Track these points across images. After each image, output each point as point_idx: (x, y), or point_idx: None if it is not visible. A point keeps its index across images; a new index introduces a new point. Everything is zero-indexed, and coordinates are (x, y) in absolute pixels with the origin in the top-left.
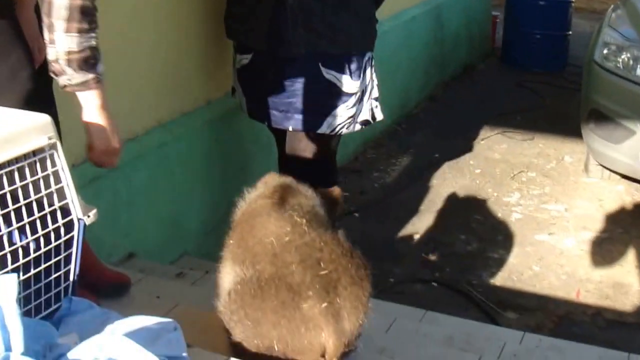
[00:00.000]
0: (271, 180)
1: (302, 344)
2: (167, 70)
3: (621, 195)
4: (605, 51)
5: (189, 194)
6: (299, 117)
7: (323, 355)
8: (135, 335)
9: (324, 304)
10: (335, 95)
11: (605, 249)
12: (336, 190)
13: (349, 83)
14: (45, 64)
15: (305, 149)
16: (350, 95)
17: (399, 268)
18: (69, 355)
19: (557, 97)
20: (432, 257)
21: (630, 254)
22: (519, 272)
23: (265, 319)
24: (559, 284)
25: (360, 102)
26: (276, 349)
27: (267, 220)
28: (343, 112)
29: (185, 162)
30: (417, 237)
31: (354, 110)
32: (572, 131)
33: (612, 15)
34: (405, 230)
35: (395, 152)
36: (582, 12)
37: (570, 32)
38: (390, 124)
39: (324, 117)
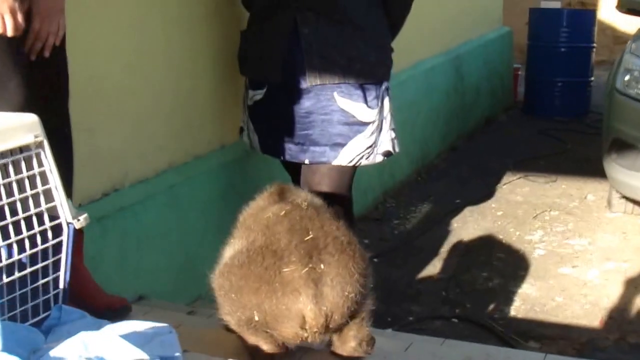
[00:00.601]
0: (275, 185)
1: (280, 310)
2: (177, 111)
3: None
4: (627, 78)
5: (202, 238)
6: (315, 149)
7: (304, 327)
8: (128, 337)
9: (305, 269)
10: (352, 124)
11: (630, 277)
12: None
13: (366, 112)
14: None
15: (321, 182)
16: (368, 124)
17: (419, 306)
18: (52, 353)
19: (579, 142)
20: (453, 295)
21: None
22: (542, 304)
23: (247, 286)
24: (583, 313)
25: (379, 132)
26: (256, 318)
27: (270, 205)
28: (361, 142)
29: (198, 206)
30: (437, 276)
31: (372, 139)
32: (595, 172)
33: (633, 45)
34: (426, 272)
35: (415, 201)
36: (604, 65)
37: (593, 79)
38: (411, 174)
39: (341, 148)
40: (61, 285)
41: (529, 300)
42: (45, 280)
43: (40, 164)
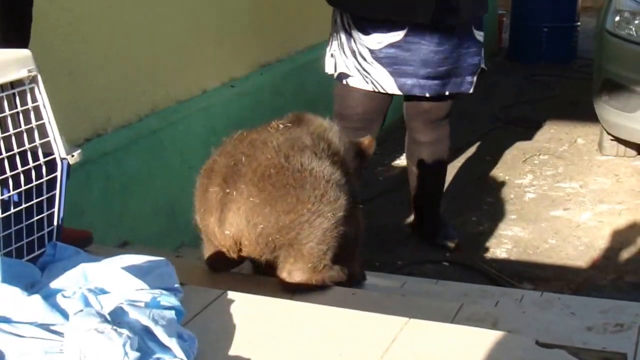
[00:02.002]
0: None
1: (207, 226)
2: (159, 56)
3: (638, 169)
4: (617, 18)
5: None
6: (456, 80)
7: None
8: (126, 270)
9: (220, 193)
10: (480, 54)
11: (624, 218)
12: (367, 140)
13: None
14: None
15: (440, 111)
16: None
17: (407, 251)
18: (52, 284)
19: (568, 87)
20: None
21: None
22: (535, 246)
23: (195, 199)
24: (577, 255)
25: None
26: (202, 237)
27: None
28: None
29: (180, 151)
30: None
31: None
32: (584, 116)
33: None
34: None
35: (400, 148)
36: (590, 11)
37: (579, 24)
38: (395, 121)
39: (472, 77)
40: (55, 222)
41: (522, 243)
42: (40, 216)
43: (34, 99)
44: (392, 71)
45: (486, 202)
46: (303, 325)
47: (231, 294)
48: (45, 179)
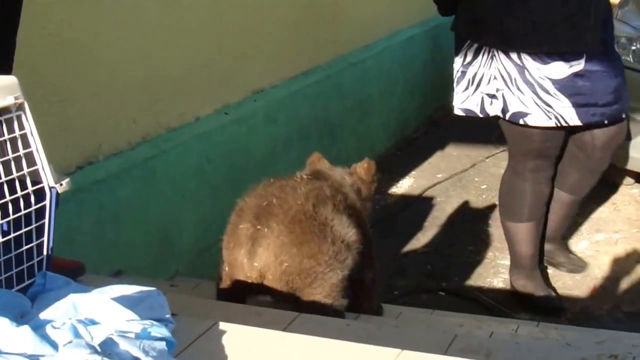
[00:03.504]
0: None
1: (235, 259)
2: (151, 83)
3: (635, 198)
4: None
5: (179, 212)
6: (616, 106)
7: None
8: (117, 300)
9: (251, 229)
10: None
11: (621, 248)
12: (364, 164)
13: None
14: None
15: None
16: None
17: (404, 281)
18: (41, 315)
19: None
20: (439, 268)
21: None
22: None
23: (225, 239)
24: (573, 284)
25: None
26: (226, 269)
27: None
28: None
29: (173, 179)
30: (422, 250)
31: None
32: None
33: (619, 12)
34: (409, 245)
35: (396, 175)
36: None
37: None
38: (390, 148)
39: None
40: (45, 252)
41: None
42: (29, 246)
43: (21, 127)
44: (575, 102)
45: (483, 231)
46: (295, 357)
47: (223, 325)
48: (33, 207)
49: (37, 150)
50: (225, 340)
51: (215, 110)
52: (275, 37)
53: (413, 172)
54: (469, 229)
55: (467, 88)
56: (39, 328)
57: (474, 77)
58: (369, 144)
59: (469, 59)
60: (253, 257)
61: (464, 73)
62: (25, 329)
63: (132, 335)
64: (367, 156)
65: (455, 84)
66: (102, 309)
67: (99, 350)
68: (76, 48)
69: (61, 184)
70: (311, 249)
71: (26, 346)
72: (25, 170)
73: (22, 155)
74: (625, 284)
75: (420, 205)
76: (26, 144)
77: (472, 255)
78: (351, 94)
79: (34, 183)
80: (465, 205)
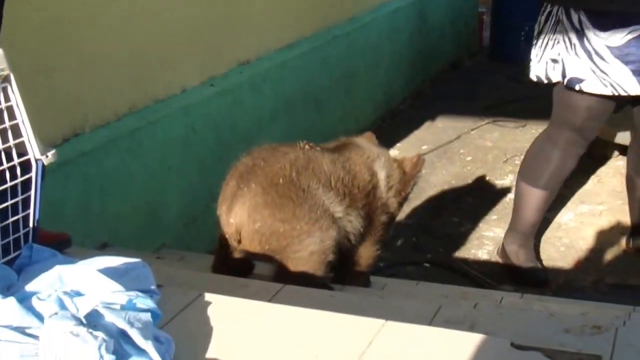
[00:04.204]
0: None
1: (220, 215)
2: (137, 54)
3: (620, 170)
4: None
5: (165, 184)
6: None
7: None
8: (102, 272)
9: (235, 187)
10: None
11: (605, 220)
12: (414, 158)
13: None
14: None
15: None
16: None
17: (390, 253)
18: (27, 287)
19: (550, 87)
20: (424, 241)
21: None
22: None
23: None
24: (558, 256)
25: None
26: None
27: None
28: None
29: (160, 151)
30: (407, 223)
31: None
32: None
33: None
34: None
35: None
36: None
37: None
38: (375, 120)
39: None
40: (31, 224)
41: None
42: (15, 218)
43: (7, 99)
44: (634, 69)
45: (467, 203)
46: (279, 327)
47: (208, 296)
48: (19, 180)
49: (23, 122)
50: (210, 311)
51: (201, 82)
52: (261, 9)
53: (398, 144)
54: (454, 201)
55: (538, 54)
56: (24, 300)
57: (543, 42)
58: (354, 116)
59: (541, 25)
60: (230, 213)
61: (537, 39)
62: (11, 301)
63: (118, 307)
64: (353, 128)
65: (532, 50)
66: (87, 280)
67: (84, 321)
68: (62, 21)
69: (47, 156)
70: (285, 213)
71: (12, 318)
72: (11, 142)
73: (7, 127)
74: (609, 255)
75: None
76: (12, 116)
77: (457, 227)
78: (337, 66)
79: (19, 155)
80: (450, 177)
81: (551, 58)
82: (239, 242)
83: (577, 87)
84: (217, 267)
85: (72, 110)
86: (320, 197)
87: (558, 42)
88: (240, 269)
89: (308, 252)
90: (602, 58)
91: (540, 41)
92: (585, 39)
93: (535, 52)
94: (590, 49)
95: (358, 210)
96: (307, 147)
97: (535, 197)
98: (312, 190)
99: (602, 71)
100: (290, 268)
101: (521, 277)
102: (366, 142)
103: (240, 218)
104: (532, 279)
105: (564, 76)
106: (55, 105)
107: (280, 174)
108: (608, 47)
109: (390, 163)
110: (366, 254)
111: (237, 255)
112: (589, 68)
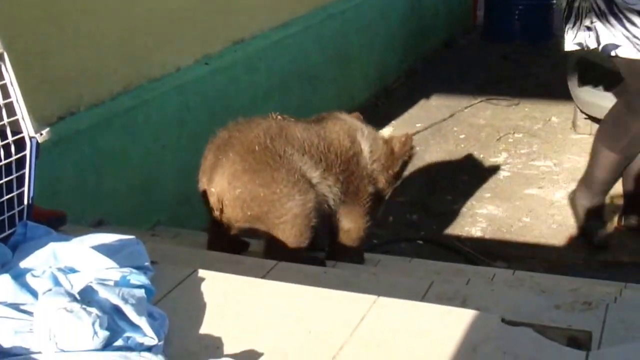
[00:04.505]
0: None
1: (201, 187)
2: (132, 34)
3: None
4: None
5: (160, 162)
6: None
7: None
8: (96, 249)
9: (213, 159)
10: None
11: None
12: (403, 137)
13: None
14: None
15: None
16: None
17: (383, 230)
18: (22, 264)
19: (543, 66)
20: (418, 218)
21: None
22: (509, 224)
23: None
24: (550, 233)
25: None
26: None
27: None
28: None
29: (154, 129)
30: (401, 200)
31: None
32: (558, 95)
33: None
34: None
35: (375, 125)
36: None
37: (554, 1)
38: (369, 98)
39: None
40: (25, 201)
41: (496, 222)
42: (9, 196)
43: (0, 77)
44: None
45: (461, 181)
46: (273, 303)
47: (202, 272)
48: (14, 157)
49: (17, 100)
50: (204, 287)
51: (196, 61)
52: None
53: (393, 122)
54: (447, 179)
55: (573, 24)
56: (19, 277)
57: (577, 11)
58: (349, 94)
59: None
60: (211, 184)
61: (570, 9)
62: (6, 277)
63: (112, 283)
64: (347, 106)
65: (563, 22)
66: (81, 257)
67: (78, 297)
68: (56, 1)
69: (41, 134)
70: (263, 178)
71: (6, 294)
72: (6, 120)
73: (2, 105)
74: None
75: None
76: (6, 94)
77: (450, 204)
78: (331, 44)
79: (14, 133)
80: (444, 155)
81: (586, 26)
82: (222, 211)
83: (612, 53)
84: (212, 244)
85: (67, 89)
86: (296, 162)
87: (590, 10)
88: (235, 246)
89: (291, 215)
90: (632, 23)
91: (574, 11)
92: (614, 5)
93: (570, 22)
94: (620, 14)
95: (337, 176)
96: (279, 117)
97: (610, 160)
98: (288, 155)
99: (634, 36)
100: (278, 236)
101: (584, 234)
102: (350, 117)
103: (221, 186)
104: (592, 239)
105: (598, 43)
106: (50, 84)
107: (255, 141)
108: (637, 11)
109: (375, 138)
110: (355, 226)
111: (228, 231)
112: (622, 34)
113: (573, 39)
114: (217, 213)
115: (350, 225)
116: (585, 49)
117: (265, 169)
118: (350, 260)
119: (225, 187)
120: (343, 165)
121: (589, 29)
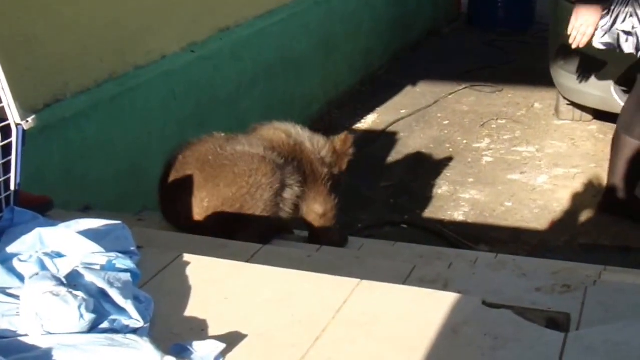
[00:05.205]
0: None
1: (164, 212)
2: (117, 21)
3: (593, 134)
4: None
5: (146, 148)
6: None
7: None
8: (83, 234)
9: (171, 183)
10: None
11: (579, 182)
12: (342, 136)
13: None
14: None
15: None
16: None
17: (368, 214)
18: (8, 249)
19: (526, 53)
20: (401, 202)
21: (604, 185)
22: (491, 209)
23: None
24: (532, 217)
25: None
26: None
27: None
28: None
29: (140, 116)
30: (385, 185)
31: None
32: (541, 82)
33: None
34: (373, 180)
35: (360, 111)
36: None
37: None
38: (354, 85)
39: None
40: (12, 187)
41: (479, 206)
42: None
43: None
44: None
45: (444, 166)
46: (256, 287)
47: (187, 257)
48: (0, 144)
49: (2, 88)
50: (189, 271)
51: (182, 48)
52: None
53: (377, 108)
54: (431, 164)
55: (607, 24)
56: (6, 261)
57: (613, 14)
58: (334, 81)
59: None
60: (175, 205)
61: (608, 10)
62: None
63: (98, 267)
64: (332, 93)
65: (601, 20)
66: (68, 242)
67: (64, 282)
68: None
69: (27, 121)
70: (226, 177)
71: None
72: None
73: None
74: (582, 217)
75: (384, 140)
76: None
77: (433, 189)
78: (316, 32)
79: (0, 120)
80: (427, 141)
81: (624, 30)
82: (196, 224)
83: None
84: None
85: (53, 77)
86: (249, 151)
87: (631, 15)
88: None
89: (262, 202)
90: None
91: (611, 13)
92: None
93: (604, 22)
94: None
95: (290, 164)
96: (222, 134)
97: (634, 148)
98: (239, 150)
99: None
100: (253, 221)
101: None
102: (281, 124)
103: (186, 204)
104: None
105: (637, 49)
106: (36, 72)
107: (208, 152)
108: None
109: (311, 135)
110: (326, 207)
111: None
112: None
113: (601, 37)
114: (190, 227)
115: (321, 208)
116: (617, 50)
117: (224, 169)
118: (333, 241)
119: (191, 203)
120: (291, 153)
121: (628, 33)
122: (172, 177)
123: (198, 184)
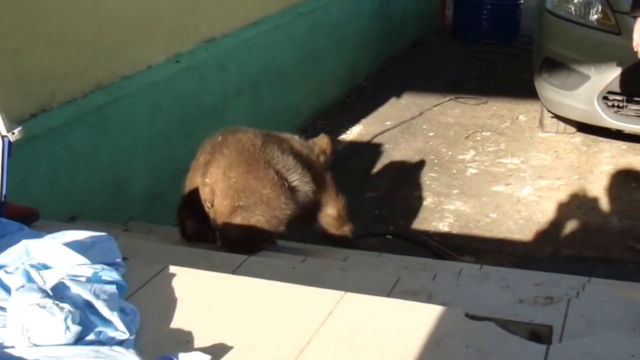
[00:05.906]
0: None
1: (192, 183)
2: (104, 31)
3: (577, 146)
4: None
5: (132, 158)
6: None
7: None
8: (68, 246)
9: (208, 157)
10: None
11: (563, 194)
12: (324, 138)
13: None
14: None
15: None
16: None
17: (353, 225)
18: None
19: (510, 65)
20: (386, 213)
21: (588, 197)
22: (476, 220)
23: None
24: (517, 228)
25: None
26: (185, 194)
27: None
28: None
29: (126, 127)
30: (370, 196)
31: None
32: (526, 94)
33: None
34: (358, 191)
35: (345, 122)
36: None
37: (522, 1)
38: (340, 96)
39: None
40: None
41: (463, 217)
42: None
43: None
44: None
45: (429, 177)
46: (241, 298)
47: (173, 268)
48: None
49: None
50: (175, 283)
51: (167, 59)
52: None
53: (363, 120)
54: (416, 175)
55: None
56: None
57: None
58: (319, 93)
59: None
60: (205, 176)
61: None
62: None
63: (83, 279)
64: (317, 104)
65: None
66: (54, 253)
67: (50, 293)
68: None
69: (13, 133)
70: (258, 171)
71: None
72: None
73: None
74: (566, 228)
75: (369, 151)
76: None
77: (418, 200)
78: (301, 43)
79: None
80: (412, 152)
81: None
82: (212, 204)
83: None
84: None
85: (39, 87)
86: (281, 170)
87: None
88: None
89: (271, 213)
90: None
91: None
92: None
93: None
94: None
95: (307, 172)
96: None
97: None
98: (274, 163)
99: None
100: (254, 227)
101: None
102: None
103: (216, 176)
104: None
105: None
106: (22, 82)
107: (249, 142)
108: None
109: (301, 142)
110: (338, 207)
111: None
112: None
113: None
114: (206, 206)
115: (334, 209)
116: None
117: (259, 166)
118: (348, 239)
119: (220, 177)
120: (307, 164)
121: None
122: (209, 152)
123: (231, 164)
